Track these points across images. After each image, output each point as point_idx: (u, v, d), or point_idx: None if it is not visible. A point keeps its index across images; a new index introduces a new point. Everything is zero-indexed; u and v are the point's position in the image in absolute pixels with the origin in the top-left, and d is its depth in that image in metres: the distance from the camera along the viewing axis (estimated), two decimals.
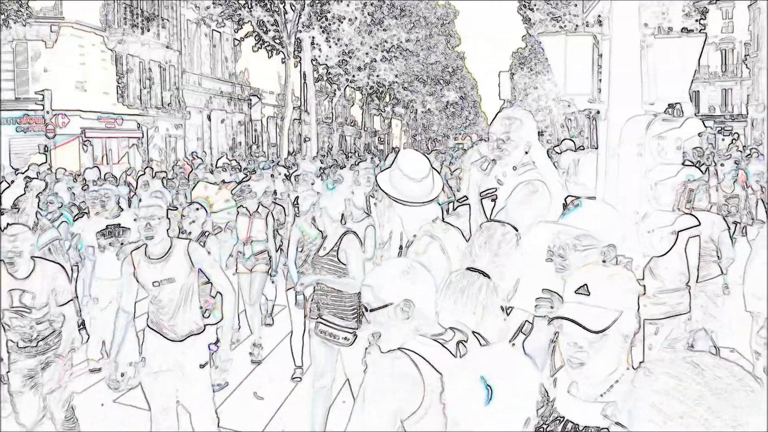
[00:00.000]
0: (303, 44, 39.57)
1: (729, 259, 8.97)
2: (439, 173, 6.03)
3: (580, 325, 3.09)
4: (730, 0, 43.93)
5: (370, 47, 43.19)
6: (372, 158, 28.36)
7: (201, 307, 7.02)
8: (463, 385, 2.80)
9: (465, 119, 63.79)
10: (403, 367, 3.41)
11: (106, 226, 9.48)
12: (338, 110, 53.11)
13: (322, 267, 7.41)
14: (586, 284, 3.20)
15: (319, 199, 7.87)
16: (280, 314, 12.14)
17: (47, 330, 6.92)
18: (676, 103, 6.33)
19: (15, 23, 25.53)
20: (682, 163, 6.66)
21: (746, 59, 43.63)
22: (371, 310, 3.68)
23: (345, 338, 7.28)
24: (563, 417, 3.18)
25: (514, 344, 3.98)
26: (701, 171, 14.65)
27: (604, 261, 4.21)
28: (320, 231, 7.73)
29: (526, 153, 5.67)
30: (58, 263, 7.29)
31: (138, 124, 34.13)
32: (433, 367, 3.36)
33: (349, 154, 37.11)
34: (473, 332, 3.65)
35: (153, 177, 19.81)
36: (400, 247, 6.08)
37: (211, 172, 21.23)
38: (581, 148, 17.04)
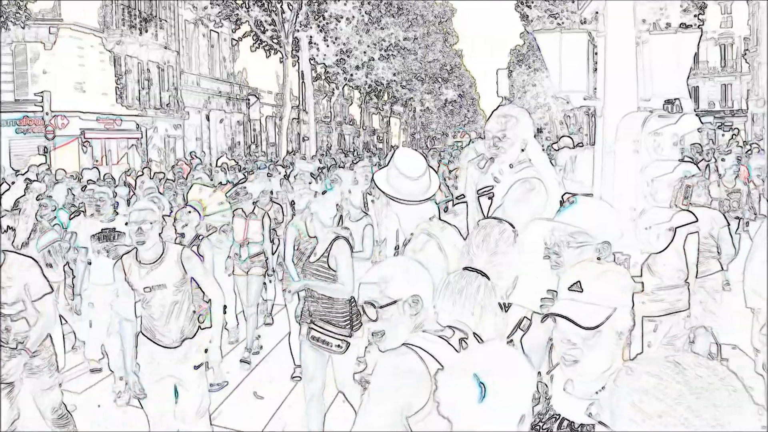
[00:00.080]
0: (301, 43, 39.56)
1: (729, 256, 8.95)
2: (436, 172, 6.04)
3: (572, 321, 3.09)
4: None
5: (368, 46, 43.17)
6: (370, 157, 28.34)
7: (194, 312, 6.90)
8: (456, 383, 2.80)
9: (464, 117, 63.73)
10: (409, 362, 3.42)
11: (101, 230, 9.39)
12: (337, 109, 53.09)
13: (313, 273, 7.30)
14: (579, 281, 3.20)
15: (310, 204, 7.73)
16: (280, 314, 12.15)
17: (24, 328, 6.70)
18: (675, 99, 6.33)
19: (14, 25, 25.53)
20: (681, 160, 6.66)
21: (746, 54, 43.59)
22: (381, 307, 3.69)
23: (338, 345, 7.18)
24: (559, 415, 3.18)
25: (512, 341, 3.99)
26: (699, 167, 14.67)
27: (598, 258, 4.22)
28: (312, 237, 7.61)
29: (523, 150, 5.68)
30: (30, 257, 7.06)
31: (137, 124, 34.13)
32: (438, 362, 3.36)
33: (348, 153, 37.11)
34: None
35: (151, 178, 19.81)
36: (396, 247, 6.09)
37: (210, 172, 21.21)
38: (580, 144, 17.04)
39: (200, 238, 9.13)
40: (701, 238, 7.66)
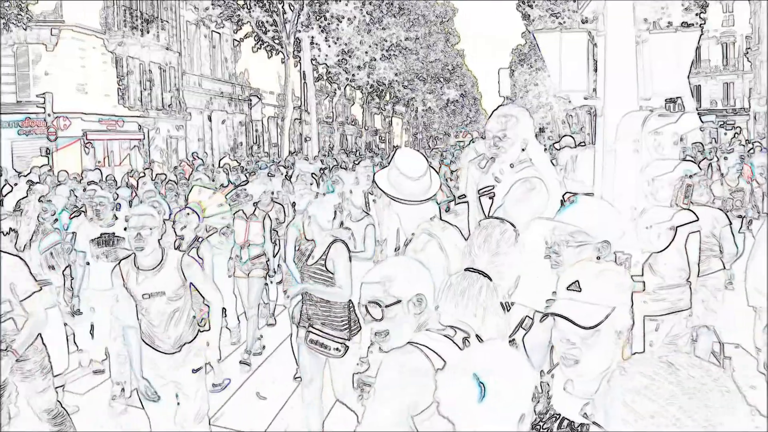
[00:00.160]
0: (302, 44, 39.58)
1: (731, 255, 8.93)
2: (437, 172, 6.04)
3: (571, 321, 3.09)
4: None
5: (370, 46, 43.18)
6: (372, 157, 28.34)
7: (194, 317, 6.82)
8: (455, 383, 2.80)
9: (466, 117, 63.78)
10: (415, 361, 3.43)
11: (101, 234, 9.30)
12: (339, 109, 53.12)
13: (311, 276, 7.23)
14: (577, 281, 3.20)
15: (308, 207, 7.59)
16: (282, 314, 12.16)
17: (12, 328, 6.62)
18: (677, 98, 6.33)
19: (16, 27, 25.56)
20: (684, 159, 6.66)
21: (747, 52, 43.58)
22: (386, 306, 3.69)
23: (336, 349, 7.10)
24: (560, 414, 3.19)
25: (514, 339, 4.00)
26: (700, 167, 14.64)
27: (598, 257, 4.22)
28: (309, 240, 7.49)
29: (523, 150, 5.68)
30: (17, 256, 6.97)
31: (139, 125, 34.15)
32: (444, 360, 3.37)
33: (349, 153, 37.10)
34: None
35: (153, 179, 19.80)
36: (397, 248, 6.09)
37: (212, 173, 21.21)
38: (582, 144, 17.03)
39: (200, 240, 9.11)
40: (703, 237, 7.66)
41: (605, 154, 5.95)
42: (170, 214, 9.99)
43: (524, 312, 4.24)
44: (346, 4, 39.42)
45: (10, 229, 9.00)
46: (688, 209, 6.80)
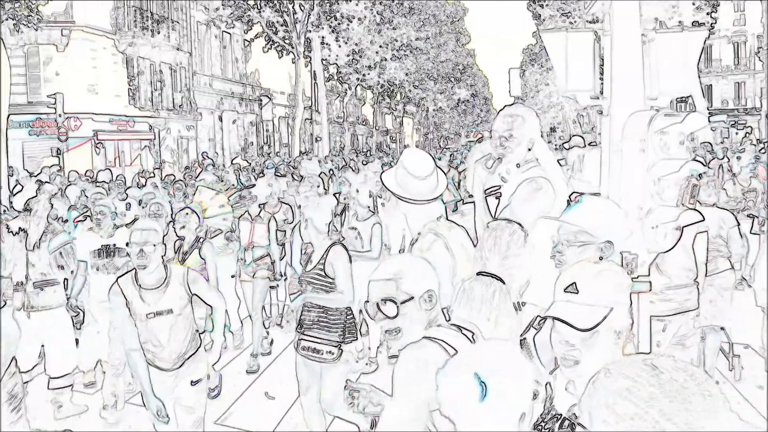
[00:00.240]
0: (313, 44, 39.61)
1: (738, 256, 8.91)
2: (445, 173, 6.05)
3: (568, 324, 3.09)
4: None
5: (380, 46, 43.18)
6: (381, 157, 28.32)
7: (196, 331, 6.54)
8: (456, 383, 2.80)
9: (476, 116, 63.79)
10: (432, 355, 3.43)
11: (101, 246, 9.11)
12: (349, 109, 53.15)
13: (309, 282, 7.10)
14: (574, 282, 3.20)
15: (305, 210, 7.44)
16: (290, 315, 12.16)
17: None
18: (687, 97, 6.33)
19: (26, 27, 25.65)
20: (693, 159, 6.65)
21: (759, 52, 43.44)
22: (402, 303, 3.69)
23: (329, 352, 6.95)
24: (561, 414, 3.18)
25: (525, 339, 4.00)
26: (710, 166, 14.58)
27: (601, 257, 4.21)
28: (307, 243, 7.32)
29: (530, 150, 5.67)
30: None
31: (150, 126, 34.21)
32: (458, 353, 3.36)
33: (359, 153, 37.11)
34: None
35: (162, 179, 19.83)
36: (401, 250, 6.09)
37: (221, 173, 21.22)
38: (592, 144, 17.00)
39: (201, 240, 9.08)
40: (710, 238, 7.64)
41: (611, 154, 5.93)
42: (172, 215, 9.95)
43: (536, 311, 4.25)
44: (357, 4, 39.43)
45: (20, 228, 9.03)
46: (695, 209, 6.79)
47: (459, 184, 14.47)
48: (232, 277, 10.68)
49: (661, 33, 5.95)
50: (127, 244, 6.44)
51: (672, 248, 6.41)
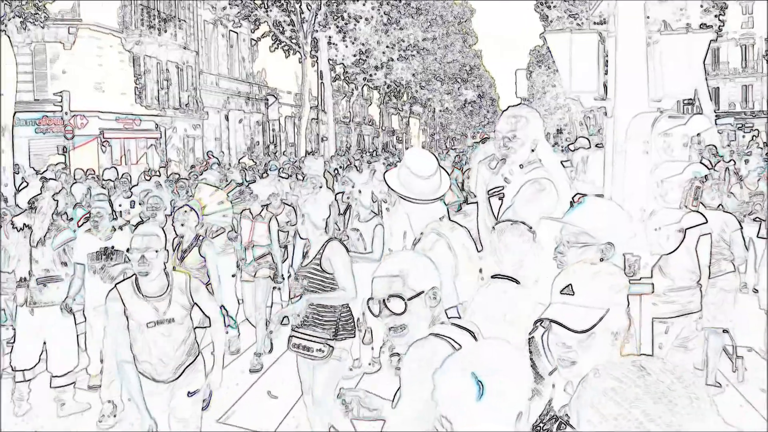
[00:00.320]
0: (320, 44, 39.59)
1: (741, 259, 8.89)
2: (449, 174, 6.05)
3: (564, 326, 3.09)
4: None
5: (387, 46, 43.16)
6: (387, 158, 28.31)
7: (195, 341, 6.27)
8: (454, 382, 2.80)
9: (483, 118, 63.72)
10: (440, 351, 3.41)
11: (99, 249, 8.81)
12: (356, 110, 53.15)
13: (305, 277, 6.98)
14: (570, 284, 3.20)
15: (303, 205, 7.28)
16: None
17: None
18: (694, 100, 6.35)
19: (33, 25, 25.68)
20: (700, 161, 6.67)
21: (767, 55, 43.31)
22: (409, 299, 3.69)
23: (319, 350, 6.84)
24: (559, 416, 3.18)
25: (533, 337, 4.00)
26: (716, 169, 14.54)
27: (602, 259, 4.21)
28: (304, 239, 7.22)
29: (533, 151, 5.68)
30: None
31: (156, 124, 34.22)
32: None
33: (365, 153, 37.12)
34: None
35: (168, 177, 19.83)
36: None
37: (226, 171, 21.22)
38: (599, 145, 16.98)
39: (200, 238, 9.03)
40: (713, 241, 7.63)
41: (615, 155, 5.93)
42: (172, 211, 9.86)
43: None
44: (364, 4, 39.41)
45: (24, 225, 9.06)
46: (697, 211, 6.79)
47: (462, 184, 14.43)
48: (233, 276, 10.63)
49: (666, 35, 5.95)
50: (127, 250, 6.22)
51: (675, 250, 6.41)
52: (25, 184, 16.23)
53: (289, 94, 45.69)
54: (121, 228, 9.07)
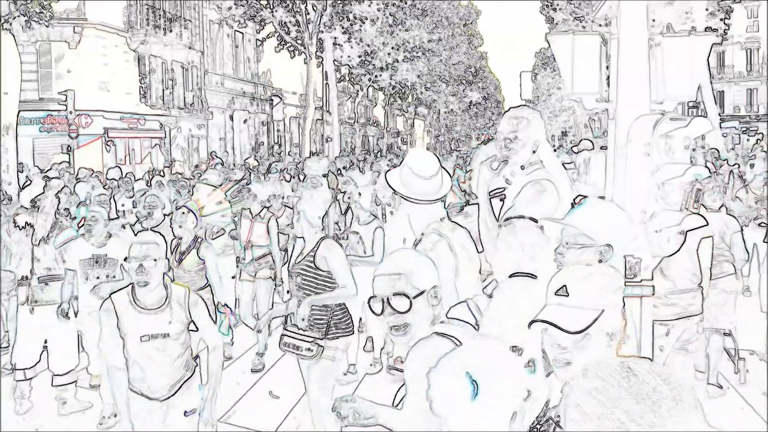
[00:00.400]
0: (325, 44, 39.57)
1: (742, 261, 8.89)
2: (450, 175, 6.05)
3: (558, 327, 3.09)
4: None
5: (392, 47, 43.15)
6: (391, 159, 28.26)
7: (191, 355, 5.94)
8: (449, 381, 2.80)
9: (488, 120, 63.70)
10: (445, 350, 3.38)
11: (91, 255, 8.52)
12: (361, 110, 53.16)
13: (299, 273, 6.90)
14: (564, 285, 3.20)
15: (298, 203, 7.14)
16: None
17: None
18: (698, 103, 6.36)
19: (38, 24, 25.71)
20: (705, 164, 6.67)
21: None
22: (414, 298, 3.68)
23: (308, 349, 6.74)
24: (552, 417, 3.18)
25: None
26: (720, 173, 14.51)
27: (600, 261, 4.21)
28: (299, 237, 7.08)
29: (534, 152, 5.68)
30: None
31: (160, 124, 34.24)
32: None
33: (369, 154, 37.12)
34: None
35: (172, 174, 19.82)
36: None
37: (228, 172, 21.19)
38: (604, 147, 16.97)
39: (199, 240, 8.96)
40: (714, 242, 7.62)
41: (617, 157, 5.93)
42: (170, 212, 9.74)
43: None
44: (369, 5, 39.39)
45: (27, 223, 9.06)
46: (698, 213, 6.78)
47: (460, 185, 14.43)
48: (233, 278, 10.59)
49: (668, 37, 5.95)
50: (125, 259, 5.82)
51: (676, 252, 6.40)
52: (28, 182, 16.26)
53: (294, 95, 45.72)
54: (123, 227, 9.04)
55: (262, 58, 43.65)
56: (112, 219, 10.36)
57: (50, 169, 21.79)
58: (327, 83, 42.36)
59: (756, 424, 7.84)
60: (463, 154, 32.90)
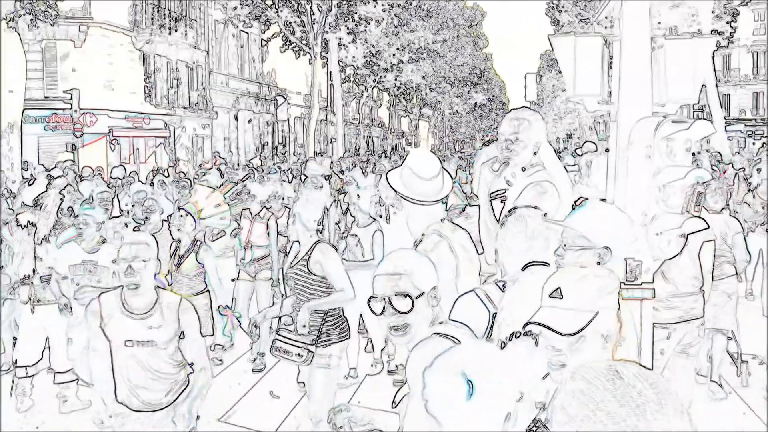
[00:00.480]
0: (330, 45, 39.60)
1: (743, 262, 8.89)
2: (452, 177, 6.04)
3: (551, 329, 3.09)
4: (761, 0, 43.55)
5: (397, 48, 43.19)
6: (395, 161, 28.26)
7: (186, 365, 5.61)
8: (443, 381, 2.80)
9: (493, 121, 63.62)
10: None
11: (81, 261, 8.34)
12: (365, 111, 53.17)
13: (292, 278, 6.87)
14: (558, 288, 3.19)
15: (294, 205, 7.12)
16: None
17: None
18: (703, 106, 6.36)
19: (43, 23, 25.77)
20: (712, 167, 6.67)
21: None
22: (417, 298, 3.68)
23: (298, 354, 6.65)
24: (546, 420, 3.18)
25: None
26: (724, 176, 14.50)
27: (598, 263, 4.20)
28: (294, 241, 7.00)
29: (535, 154, 5.68)
30: None
31: (165, 123, 34.29)
32: None
33: (372, 154, 37.13)
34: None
35: (176, 173, 19.81)
36: None
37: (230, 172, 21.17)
38: (607, 150, 16.95)
39: (198, 243, 8.91)
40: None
41: (618, 160, 5.92)
42: (169, 215, 9.65)
43: None
44: (374, 6, 39.41)
45: (29, 222, 9.06)
46: (699, 216, 6.77)
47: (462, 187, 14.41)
48: (233, 281, 10.54)
49: (671, 39, 5.94)
50: (113, 261, 5.69)
51: (677, 255, 6.39)
52: (32, 180, 16.27)
53: (298, 95, 45.73)
54: (126, 225, 9.00)
55: (267, 58, 43.69)
56: (115, 217, 10.37)
57: (54, 167, 21.83)
58: (332, 84, 42.40)
59: (757, 428, 7.83)
60: (465, 155, 32.93)
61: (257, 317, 7.19)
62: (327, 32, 38.82)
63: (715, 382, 8.58)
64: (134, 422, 5.50)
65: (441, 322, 3.73)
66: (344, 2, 38.54)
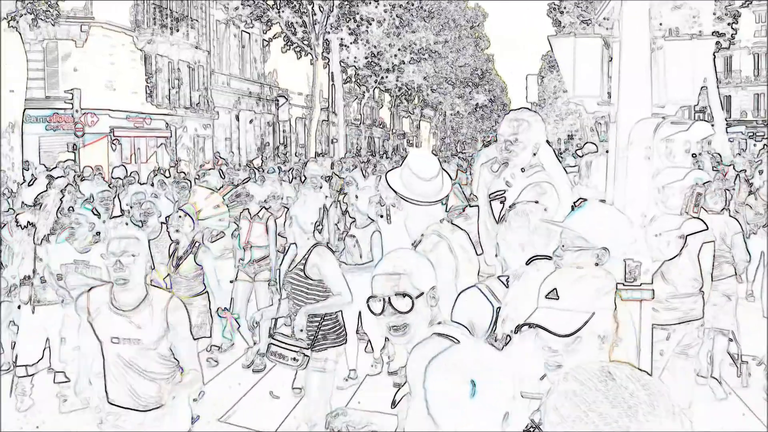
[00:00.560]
0: (331, 45, 39.60)
1: (743, 262, 8.90)
2: (452, 178, 6.05)
3: (548, 330, 3.09)
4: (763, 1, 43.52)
5: (399, 49, 43.17)
6: (397, 161, 28.25)
7: (177, 367, 5.40)
8: (443, 381, 2.80)
9: (494, 122, 63.50)
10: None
11: (73, 261, 8.23)
12: (367, 112, 53.13)
13: (289, 282, 6.83)
14: (555, 288, 3.20)
15: (291, 207, 7.07)
16: None
17: None
18: (704, 107, 6.36)
19: (44, 23, 25.79)
20: (713, 168, 6.67)
21: None
22: (416, 298, 3.68)
23: (294, 359, 6.57)
24: (540, 421, 3.19)
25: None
26: (725, 177, 14.49)
27: (597, 264, 4.21)
28: (291, 243, 6.95)
29: (535, 155, 5.69)
30: None
31: (166, 123, 34.29)
32: None
33: (373, 155, 37.12)
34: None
35: (178, 173, 19.80)
36: None
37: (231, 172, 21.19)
38: (608, 151, 16.93)
39: (197, 245, 8.89)
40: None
41: (617, 161, 5.93)
42: (168, 216, 9.61)
43: None
44: (376, 7, 39.41)
45: (29, 222, 9.06)
46: (698, 218, 6.77)
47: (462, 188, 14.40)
48: (231, 282, 10.52)
49: (670, 40, 5.94)
50: (101, 255, 5.52)
51: (676, 256, 6.39)
52: (32, 180, 16.28)
53: (300, 96, 45.71)
54: (126, 224, 8.99)
55: (268, 59, 43.68)
56: (115, 217, 10.36)
57: (55, 167, 21.84)
58: (333, 84, 42.38)
59: (757, 428, 7.84)
60: (466, 156, 32.91)
61: (256, 314, 7.16)
62: (328, 33, 38.82)
63: (715, 378, 8.60)
64: (127, 421, 5.37)
65: (440, 322, 3.73)
66: (346, 3, 38.54)
